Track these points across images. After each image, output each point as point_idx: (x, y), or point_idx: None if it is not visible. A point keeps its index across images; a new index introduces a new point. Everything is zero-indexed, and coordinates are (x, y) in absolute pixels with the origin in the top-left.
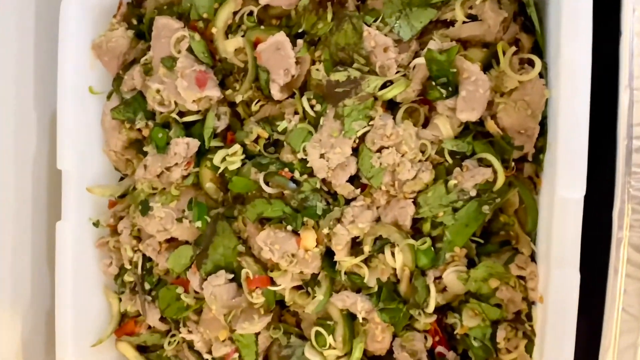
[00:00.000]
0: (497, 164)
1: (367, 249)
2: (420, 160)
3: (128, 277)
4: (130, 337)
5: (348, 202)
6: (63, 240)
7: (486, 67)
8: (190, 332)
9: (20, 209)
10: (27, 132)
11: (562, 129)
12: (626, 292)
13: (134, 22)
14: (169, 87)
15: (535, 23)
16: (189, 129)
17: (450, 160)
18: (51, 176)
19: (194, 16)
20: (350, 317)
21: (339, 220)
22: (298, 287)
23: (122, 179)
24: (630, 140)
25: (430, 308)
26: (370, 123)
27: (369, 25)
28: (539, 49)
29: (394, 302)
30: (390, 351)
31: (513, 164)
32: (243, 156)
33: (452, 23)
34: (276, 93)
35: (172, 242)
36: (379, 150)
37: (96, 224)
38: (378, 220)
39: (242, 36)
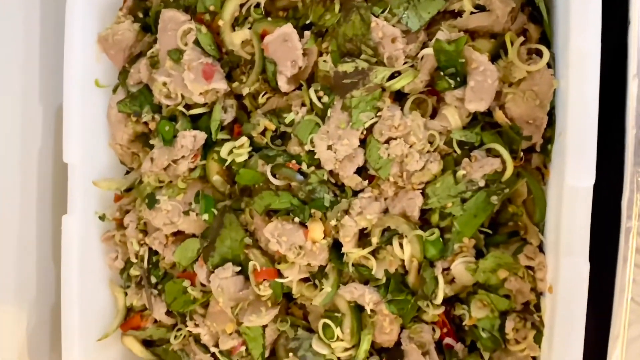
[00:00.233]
0: (505, 155)
1: (375, 240)
2: (428, 151)
3: (134, 271)
4: (136, 332)
5: (356, 193)
6: (69, 234)
7: (494, 58)
8: (196, 325)
9: (26, 202)
10: (33, 126)
11: (571, 118)
12: (635, 282)
13: (140, 15)
14: (176, 79)
15: (543, 13)
16: (195, 122)
17: (458, 151)
18: (57, 170)
19: (200, 9)
20: (358, 309)
21: (346, 212)
22: (305, 280)
23: (128, 172)
24: (639, 129)
25: (439, 299)
26: (378, 114)
27: (377, 16)
28: (546, 39)
29: (402, 294)
30: (398, 343)
31: (521, 154)
32: (250, 148)
33: (460, 14)
34: (283, 85)
35: (179, 235)
36: (387, 142)
37: (102, 218)
38: (386, 211)
39: (249, 28)
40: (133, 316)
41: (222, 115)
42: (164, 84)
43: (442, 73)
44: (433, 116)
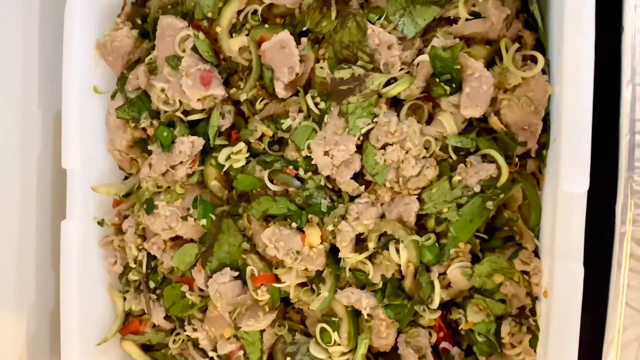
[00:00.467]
0: (500, 160)
1: (371, 245)
2: (424, 157)
3: (133, 276)
4: (134, 336)
5: (352, 199)
6: (68, 239)
7: (489, 64)
8: (195, 330)
9: (26, 207)
10: (32, 132)
11: (565, 124)
12: (629, 287)
13: (139, 21)
14: (174, 86)
15: (538, 20)
16: (193, 128)
17: (454, 157)
18: (56, 175)
19: (198, 15)
20: (355, 313)
21: (343, 217)
22: (303, 284)
23: (126, 178)
24: (632, 135)
25: (435, 304)
26: (374, 120)
27: (373, 23)
28: (541, 46)
29: (399, 298)
30: (395, 347)
31: (516, 159)
32: (247, 154)
33: (455, 20)
34: (280, 91)
35: (177, 241)
36: (383, 147)
37: (101, 223)
38: (382, 216)
39: (247, 35)
40: (132, 321)
41: (220, 121)
42: (162, 90)
43: (437, 79)
44: (429, 122)
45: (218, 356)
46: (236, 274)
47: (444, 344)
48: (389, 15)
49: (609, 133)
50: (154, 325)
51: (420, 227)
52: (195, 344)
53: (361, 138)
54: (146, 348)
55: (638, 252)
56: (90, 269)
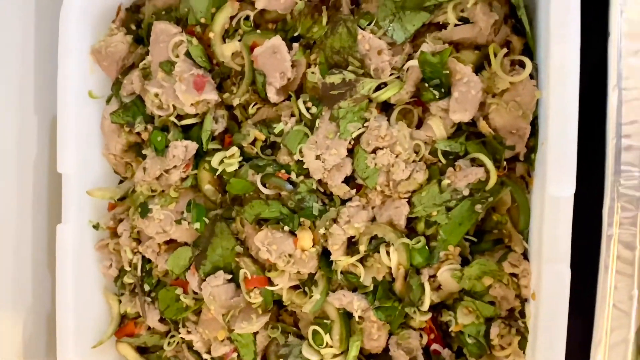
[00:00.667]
0: (489, 164)
1: (362, 248)
2: (414, 161)
3: (128, 279)
4: (130, 338)
5: (344, 202)
6: (63, 242)
7: (478, 69)
8: (189, 332)
9: (21, 212)
10: (28, 136)
11: (552, 128)
12: (617, 289)
13: (133, 27)
14: (168, 91)
15: (526, 25)
16: (187, 132)
17: (443, 161)
18: (52, 179)
19: (191, 21)
20: (346, 315)
21: (335, 221)
22: (295, 287)
23: (121, 181)
24: (619, 139)
25: (425, 306)
26: (365, 124)
27: (363, 29)
28: (529, 51)
29: (390, 301)
30: (386, 349)
31: (505, 163)
32: (240, 158)
33: (444, 26)
34: (273, 96)
35: (171, 244)
36: (374, 151)
37: (96, 227)
38: (373, 220)
39: (239, 40)
40: (127, 323)
41: (213, 126)
42: (156, 95)
43: (427, 84)
44: (419, 126)
45: (212, 358)
46: (229, 277)
47: (435, 346)
48: (379, 21)
49: (596, 137)
50: (149, 328)
51: (410, 230)
52: (190, 346)
53: (352, 142)
54: (141, 350)
55: (625, 255)
56: (85, 272)
